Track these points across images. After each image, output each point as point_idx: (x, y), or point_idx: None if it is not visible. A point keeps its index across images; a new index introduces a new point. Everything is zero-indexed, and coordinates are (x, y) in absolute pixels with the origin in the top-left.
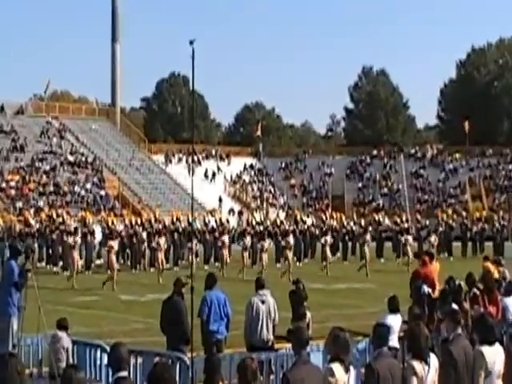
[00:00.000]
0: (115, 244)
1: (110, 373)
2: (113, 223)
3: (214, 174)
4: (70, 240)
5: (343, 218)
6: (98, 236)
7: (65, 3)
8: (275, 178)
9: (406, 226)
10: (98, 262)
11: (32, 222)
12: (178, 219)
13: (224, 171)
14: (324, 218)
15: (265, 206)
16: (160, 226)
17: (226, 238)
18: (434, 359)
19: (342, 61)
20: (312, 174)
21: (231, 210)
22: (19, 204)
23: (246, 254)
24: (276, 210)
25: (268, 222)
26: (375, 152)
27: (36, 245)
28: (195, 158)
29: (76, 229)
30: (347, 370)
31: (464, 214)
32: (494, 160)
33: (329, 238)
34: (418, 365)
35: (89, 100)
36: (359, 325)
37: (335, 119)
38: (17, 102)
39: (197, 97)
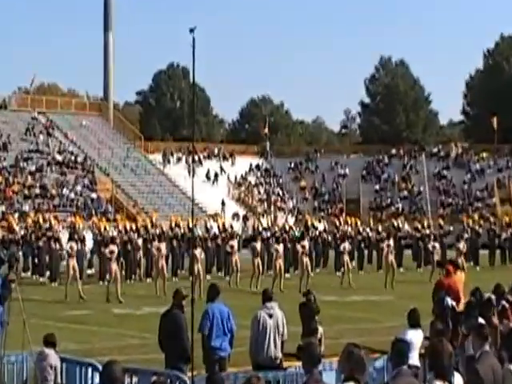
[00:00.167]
0: (115, 248)
1: None
2: (105, 229)
3: (216, 176)
4: (68, 247)
5: (358, 223)
6: (89, 243)
7: None
8: (284, 179)
9: (427, 232)
10: (89, 271)
11: (16, 227)
12: (176, 225)
13: (227, 172)
14: (337, 223)
15: (272, 210)
16: (158, 232)
17: (234, 243)
18: (458, 379)
19: (357, 50)
20: (324, 175)
21: (235, 215)
22: (2, 208)
23: (257, 261)
24: (284, 215)
25: (276, 228)
26: (394, 151)
27: (21, 253)
28: (196, 157)
29: (71, 234)
30: None
31: (492, 219)
32: None
33: (347, 245)
34: None
35: (79, 93)
36: (376, 341)
37: (350, 115)
38: None
39: (198, 90)
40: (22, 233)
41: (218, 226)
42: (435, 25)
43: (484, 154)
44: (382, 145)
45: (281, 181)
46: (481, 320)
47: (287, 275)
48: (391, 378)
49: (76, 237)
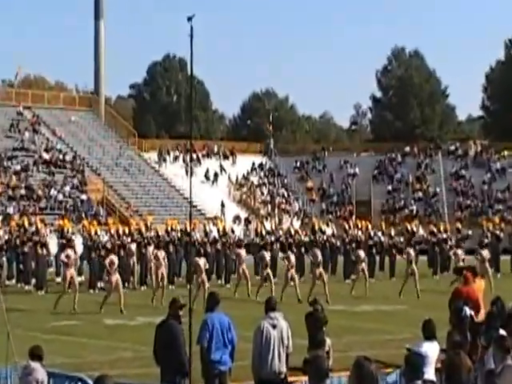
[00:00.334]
0: (116, 259)
1: None
2: (96, 233)
3: (216, 176)
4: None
5: (369, 227)
6: (79, 249)
7: None
8: (289, 179)
9: (444, 236)
10: (78, 279)
11: (0, 232)
12: (173, 229)
13: (228, 172)
14: (347, 227)
15: (276, 212)
16: (152, 235)
17: (242, 252)
18: None
19: (368, 40)
20: (332, 175)
21: (236, 218)
22: None
23: (266, 272)
24: (290, 218)
25: (280, 232)
26: (407, 149)
27: (4, 259)
28: (194, 156)
29: (70, 240)
30: None
31: None
32: None
33: (363, 253)
34: None
35: (67, 87)
36: (388, 354)
37: (360, 110)
38: None
39: (196, 83)
40: (6, 237)
41: (218, 230)
42: (452, 12)
43: (505, 152)
44: (395, 142)
45: (285, 181)
46: (502, 331)
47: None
48: None
49: (58, 243)
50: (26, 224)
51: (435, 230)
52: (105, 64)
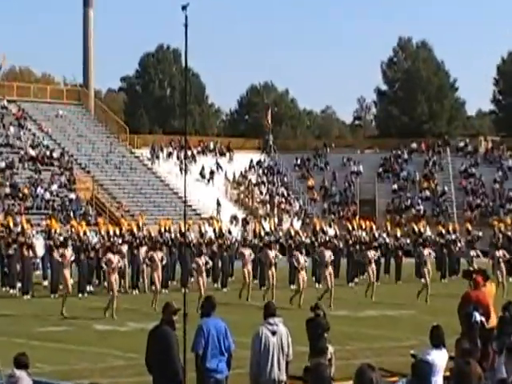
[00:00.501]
0: (114, 258)
1: None
2: (85, 234)
3: (212, 173)
4: (57, 255)
5: (374, 228)
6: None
7: None
8: (289, 177)
9: (453, 237)
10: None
11: None
12: (166, 229)
13: (225, 169)
14: (350, 228)
15: (276, 212)
16: (143, 234)
17: (246, 252)
18: None
19: (372, 30)
20: (335, 172)
21: (234, 218)
22: None
23: (271, 272)
24: (290, 218)
25: (280, 233)
26: (414, 145)
27: None
28: (188, 152)
29: (66, 239)
30: None
31: None
32: None
33: (371, 254)
34: None
35: (55, 79)
36: (394, 362)
37: (364, 104)
38: None
39: (191, 76)
40: None
41: (214, 231)
42: (461, 0)
43: None
44: (401, 138)
45: (285, 179)
46: None
47: (292, 286)
48: None
49: (45, 245)
50: (11, 224)
51: (443, 230)
52: (94, 55)
